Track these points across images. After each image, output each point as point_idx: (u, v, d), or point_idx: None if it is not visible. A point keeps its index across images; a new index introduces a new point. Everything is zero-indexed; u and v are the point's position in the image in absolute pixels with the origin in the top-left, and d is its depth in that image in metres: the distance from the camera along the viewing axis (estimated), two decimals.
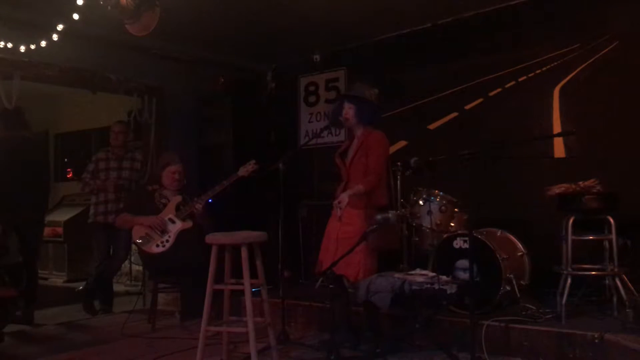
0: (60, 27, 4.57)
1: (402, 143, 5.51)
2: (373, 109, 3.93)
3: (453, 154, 3.41)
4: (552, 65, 4.84)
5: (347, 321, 3.97)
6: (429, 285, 3.50)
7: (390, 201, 4.10)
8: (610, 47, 4.56)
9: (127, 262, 6.42)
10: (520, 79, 5.01)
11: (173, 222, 4.65)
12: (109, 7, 4.11)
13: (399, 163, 4.48)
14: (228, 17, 5.11)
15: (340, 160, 4.03)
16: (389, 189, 4.09)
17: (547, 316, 3.76)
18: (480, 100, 5.24)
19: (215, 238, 3.54)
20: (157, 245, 4.56)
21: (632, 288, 3.78)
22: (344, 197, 3.75)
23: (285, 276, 4.44)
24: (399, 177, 4.48)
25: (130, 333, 4.55)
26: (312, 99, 6.52)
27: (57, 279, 7.68)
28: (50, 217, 7.90)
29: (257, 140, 6.13)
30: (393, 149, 5.01)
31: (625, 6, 4.52)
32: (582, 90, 4.69)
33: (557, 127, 4.77)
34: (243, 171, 4.66)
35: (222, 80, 6.16)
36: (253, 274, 3.50)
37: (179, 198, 4.76)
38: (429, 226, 4.36)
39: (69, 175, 9.04)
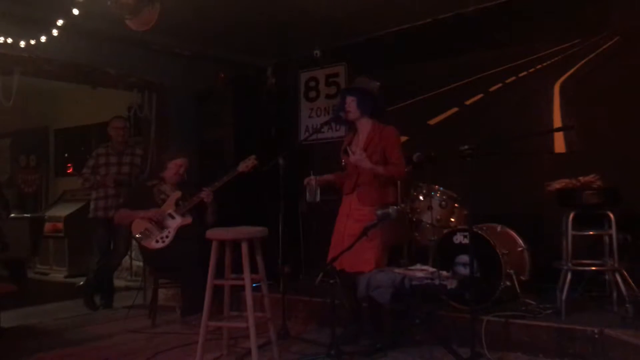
0: (60, 22, 4.56)
1: (402, 138, 5.51)
2: (375, 100, 3.92)
3: (453, 150, 3.41)
4: (552, 60, 4.83)
5: (356, 315, 3.97)
6: (429, 281, 3.50)
7: (397, 197, 4.11)
8: (611, 42, 4.55)
9: (127, 257, 6.43)
10: (520, 75, 5.00)
11: (173, 217, 4.65)
12: (109, 3, 4.10)
13: None
14: (228, 13, 5.09)
15: (346, 157, 3.97)
16: (396, 185, 4.09)
17: (547, 311, 3.77)
18: (480, 95, 5.23)
19: (215, 233, 3.55)
20: (157, 241, 4.55)
21: (632, 283, 3.79)
22: (363, 155, 3.73)
23: (285, 271, 4.45)
24: None
25: (131, 328, 4.57)
26: (312, 94, 6.51)
27: (58, 274, 7.70)
28: (50, 213, 7.96)
29: (258, 135, 6.13)
30: None
31: (626, 1, 4.51)
32: (582, 86, 4.68)
33: (557, 123, 4.76)
34: (243, 167, 4.65)
35: (223, 75, 6.15)
36: (253, 269, 3.50)
37: (178, 194, 4.75)
38: (429, 221, 4.36)
39: (69, 171, 9.05)
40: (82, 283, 5.67)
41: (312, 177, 3.97)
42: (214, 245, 3.52)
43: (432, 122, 5.51)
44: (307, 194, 3.95)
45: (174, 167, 4.77)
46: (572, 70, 4.74)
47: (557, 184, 3.99)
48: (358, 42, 5.95)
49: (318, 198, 3.93)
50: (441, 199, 4.44)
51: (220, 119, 6.15)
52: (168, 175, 4.79)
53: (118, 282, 6.29)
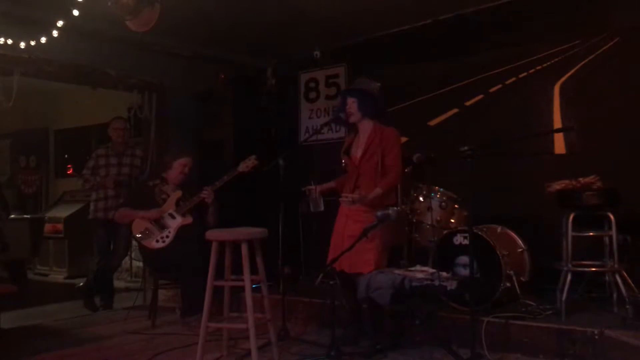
0: (60, 23, 4.56)
1: (402, 139, 5.51)
2: (376, 102, 3.92)
3: (453, 150, 3.41)
4: (552, 61, 4.83)
5: (356, 316, 3.97)
6: (429, 282, 3.50)
7: (397, 198, 4.12)
8: (611, 43, 4.55)
9: (127, 258, 6.43)
10: (520, 76, 5.00)
11: (173, 217, 4.64)
12: (109, 3, 4.10)
13: None
14: (228, 13, 5.09)
15: (347, 157, 3.99)
16: (396, 186, 4.09)
17: (547, 312, 3.77)
18: (480, 96, 5.23)
19: (215, 234, 3.55)
20: (157, 241, 4.55)
21: (632, 284, 3.79)
22: (357, 199, 3.75)
23: (285, 272, 4.44)
24: None
25: (131, 329, 4.56)
26: (312, 95, 6.51)
27: (58, 275, 7.69)
28: (50, 214, 7.95)
29: (258, 136, 6.13)
30: None
31: (626, 2, 4.51)
32: (582, 87, 4.68)
33: (557, 124, 4.76)
34: (243, 167, 4.65)
35: (223, 76, 6.16)
36: (253, 270, 3.50)
37: (179, 193, 4.75)
38: (429, 222, 4.36)
39: (69, 172, 9.04)
40: (82, 284, 5.67)
41: (313, 186, 3.96)
42: (214, 246, 3.52)
43: (432, 123, 5.50)
44: (311, 205, 3.95)
45: (179, 166, 4.77)
46: (572, 71, 4.74)
47: (557, 185, 3.99)
48: (358, 42, 5.95)
49: (322, 207, 3.94)
50: (441, 200, 4.44)
51: (220, 120, 6.15)
52: (173, 174, 4.79)
53: (118, 283, 6.29)
